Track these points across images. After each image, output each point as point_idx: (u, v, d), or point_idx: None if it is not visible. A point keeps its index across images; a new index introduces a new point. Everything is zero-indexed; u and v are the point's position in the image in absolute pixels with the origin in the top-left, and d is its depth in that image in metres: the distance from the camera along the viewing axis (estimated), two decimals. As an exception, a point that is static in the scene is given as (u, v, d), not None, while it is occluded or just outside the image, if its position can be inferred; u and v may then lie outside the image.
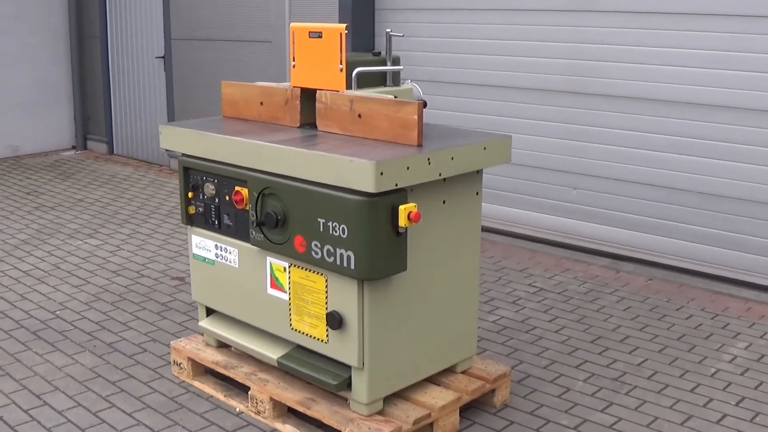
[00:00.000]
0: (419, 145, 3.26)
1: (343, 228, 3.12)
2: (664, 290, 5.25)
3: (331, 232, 3.16)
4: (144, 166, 9.12)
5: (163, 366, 4.20)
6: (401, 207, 3.08)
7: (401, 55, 6.73)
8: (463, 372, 3.76)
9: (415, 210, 3.10)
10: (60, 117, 9.69)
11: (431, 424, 3.47)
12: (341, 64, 3.52)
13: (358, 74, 3.55)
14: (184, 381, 4.04)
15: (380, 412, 3.40)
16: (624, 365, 4.22)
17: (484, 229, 6.48)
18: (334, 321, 3.26)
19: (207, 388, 3.94)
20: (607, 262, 5.76)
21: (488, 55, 6.26)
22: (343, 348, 3.30)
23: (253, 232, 3.50)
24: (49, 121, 9.57)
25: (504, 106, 6.24)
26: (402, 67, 3.68)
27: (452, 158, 3.27)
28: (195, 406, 3.80)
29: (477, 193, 3.57)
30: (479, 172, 3.56)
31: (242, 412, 3.75)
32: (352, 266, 3.12)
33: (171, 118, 8.70)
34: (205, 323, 3.98)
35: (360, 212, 3.06)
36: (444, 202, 3.42)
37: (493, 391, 3.77)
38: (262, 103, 3.86)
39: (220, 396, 3.87)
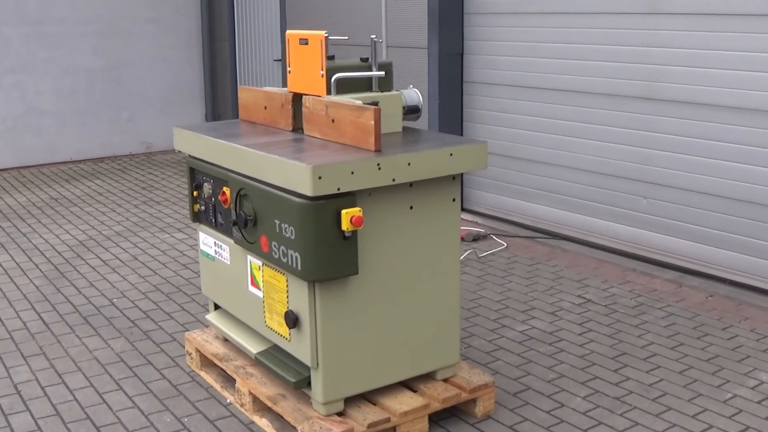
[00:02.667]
0: (377, 151, 3.28)
1: (291, 229, 3.20)
2: (721, 307, 4.92)
3: (284, 233, 3.25)
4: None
5: (182, 355, 4.43)
6: (343, 211, 3.12)
7: (484, 59, 6.71)
8: (444, 380, 3.73)
9: (357, 214, 3.13)
10: (192, 115, 10.30)
11: (394, 429, 3.48)
12: (322, 69, 3.59)
13: (338, 80, 3.60)
14: (193, 370, 4.25)
15: (341, 413, 3.45)
16: (635, 384, 4.02)
17: (558, 237, 6.31)
18: (290, 320, 3.35)
19: (209, 378, 4.13)
20: (673, 276, 5.46)
21: (561, 60, 6.10)
22: (300, 347, 3.38)
23: (234, 231, 3.65)
24: (182, 119, 10.19)
25: (575, 111, 6.06)
26: (383, 73, 3.68)
27: (409, 164, 3.26)
28: (192, 395, 4.00)
29: (453, 200, 3.53)
30: (455, 179, 3.52)
31: (231, 404, 3.90)
32: (299, 267, 3.19)
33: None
34: (210, 316, 4.17)
35: (303, 214, 3.13)
36: (411, 207, 3.42)
37: (474, 401, 3.72)
38: (265, 108, 4.00)
39: (217, 387, 4.05)
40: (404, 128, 3.79)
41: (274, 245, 3.34)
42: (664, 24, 5.40)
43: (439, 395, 3.59)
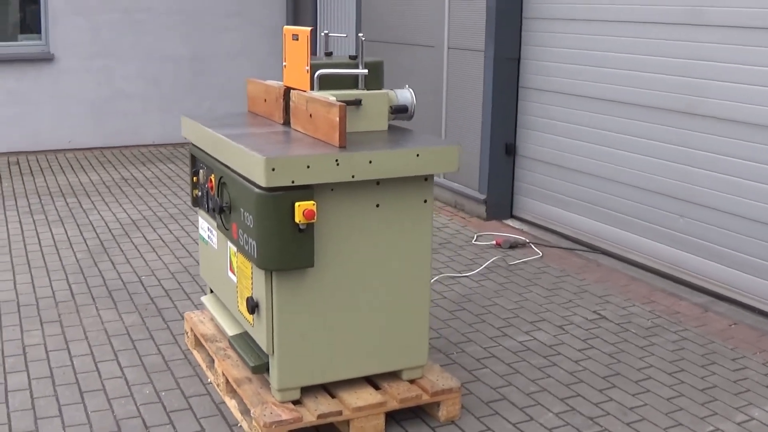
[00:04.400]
0: (342, 146, 3.33)
1: (251, 218, 3.29)
2: (740, 337, 4.71)
3: (246, 221, 3.35)
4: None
5: (183, 334, 4.60)
6: (296, 204, 3.19)
7: (540, 65, 6.61)
8: (411, 381, 3.74)
9: (310, 208, 3.19)
10: (275, 109, 10.54)
11: (348, 423, 3.52)
12: (307, 65, 3.67)
13: (320, 76, 3.67)
14: (188, 349, 4.41)
15: (297, 401, 3.52)
16: (614, 406, 3.91)
17: (598, 251, 6.17)
18: (250, 306, 3.45)
19: (199, 357, 4.27)
20: (702, 300, 5.26)
21: (607, 68, 5.95)
22: (260, 333, 3.47)
23: (217, 217, 3.77)
24: (264, 111, 10.46)
25: (619, 122, 5.90)
26: (365, 71, 3.72)
27: (370, 162, 3.30)
28: (179, 371, 4.16)
29: (425, 201, 3.54)
30: (428, 180, 3.53)
31: (211, 383, 4.04)
32: (256, 255, 3.28)
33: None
34: (205, 298, 4.32)
35: (258, 204, 3.22)
36: (378, 206, 3.45)
37: (438, 404, 3.72)
38: (265, 100, 4.11)
39: (204, 366, 4.18)
40: (392, 127, 3.82)
41: (241, 233, 3.44)
42: (706, 36, 5.21)
43: (398, 395, 3.61)
